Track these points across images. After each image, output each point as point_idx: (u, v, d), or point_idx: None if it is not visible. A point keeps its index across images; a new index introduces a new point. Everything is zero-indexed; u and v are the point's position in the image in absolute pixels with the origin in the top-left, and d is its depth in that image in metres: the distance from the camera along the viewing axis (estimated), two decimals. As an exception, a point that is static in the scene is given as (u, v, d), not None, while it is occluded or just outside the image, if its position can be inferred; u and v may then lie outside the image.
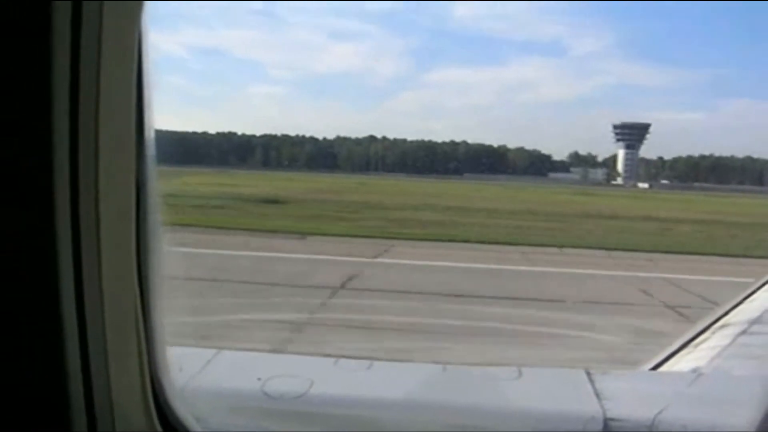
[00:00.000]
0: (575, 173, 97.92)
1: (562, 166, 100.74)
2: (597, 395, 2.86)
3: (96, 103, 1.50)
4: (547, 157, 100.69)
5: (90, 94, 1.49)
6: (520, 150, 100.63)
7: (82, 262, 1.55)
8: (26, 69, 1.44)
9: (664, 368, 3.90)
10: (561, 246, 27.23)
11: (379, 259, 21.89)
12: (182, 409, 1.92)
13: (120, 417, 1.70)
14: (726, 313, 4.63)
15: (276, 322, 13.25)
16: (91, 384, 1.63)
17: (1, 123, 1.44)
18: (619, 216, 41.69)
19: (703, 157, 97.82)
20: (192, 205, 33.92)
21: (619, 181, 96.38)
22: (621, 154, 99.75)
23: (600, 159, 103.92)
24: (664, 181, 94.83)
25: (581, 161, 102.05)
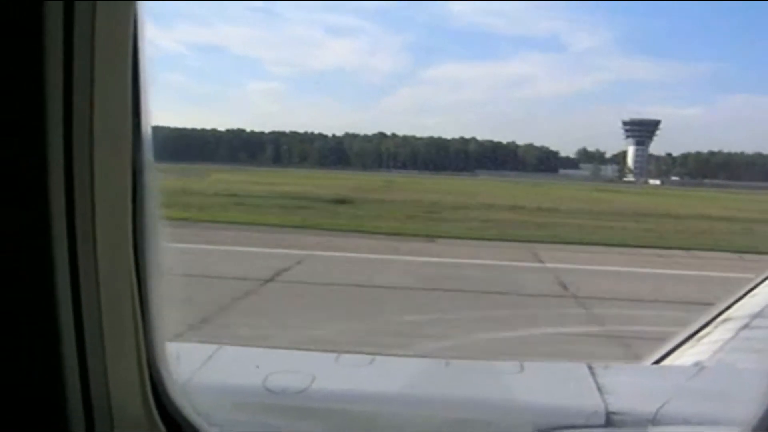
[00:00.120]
0: (585, 170, 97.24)
1: (569, 162, 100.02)
2: (599, 389, 2.87)
3: (90, 102, 1.51)
4: (555, 154, 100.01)
5: (84, 94, 1.50)
6: (529, 147, 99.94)
7: (78, 257, 1.56)
8: (19, 69, 1.44)
9: (666, 362, 3.90)
10: (688, 248, 26.74)
11: (581, 266, 21.22)
12: (183, 404, 1.93)
13: (119, 414, 1.71)
14: (728, 308, 4.62)
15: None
16: (88, 382, 1.63)
17: None
18: (680, 216, 40.35)
19: (712, 154, 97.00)
20: (268, 205, 34.67)
21: (631, 177, 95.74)
22: (631, 150, 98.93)
23: (608, 155, 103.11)
24: (675, 178, 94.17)
25: (589, 158, 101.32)
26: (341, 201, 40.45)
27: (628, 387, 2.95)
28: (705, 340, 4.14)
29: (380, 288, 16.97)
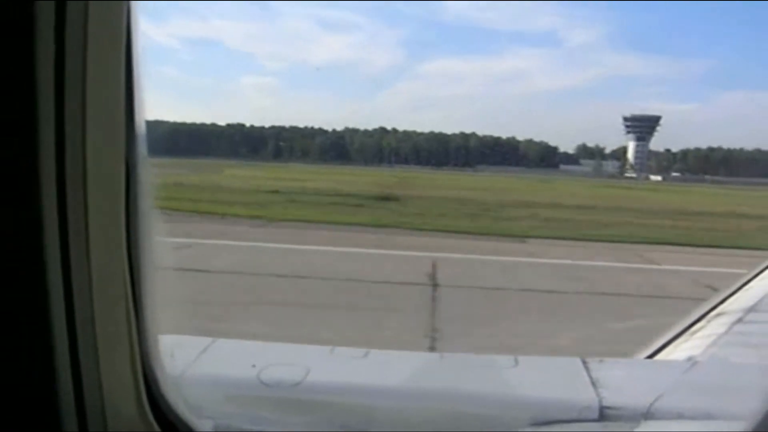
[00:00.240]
0: (585, 165, 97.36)
1: (569, 158, 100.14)
2: (593, 383, 2.87)
3: (83, 101, 1.51)
4: (554, 149, 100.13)
5: (76, 93, 1.50)
6: (530, 142, 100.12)
7: (70, 254, 1.56)
8: (10, 68, 1.44)
9: (659, 357, 3.91)
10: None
11: (703, 268, 19.79)
12: (177, 401, 1.92)
13: (112, 413, 1.70)
14: (722, 302, 4.63)
15: None
16: (81, 380, 1.63)
17: None
18: (718, 213, 39.58)
19: (711, 150, 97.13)
20: (324, 203, 34.57)
21: (632, 173, 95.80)
22: (631, 146, 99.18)
23: (608, 151, 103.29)
24: (675, 174, 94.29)
25: (589, 153, 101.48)
26: (387, 198, 40.19)
27: (622, 381, 2.96)
28: (698, 334, 4.15)
29: (551, 293, 15.81)
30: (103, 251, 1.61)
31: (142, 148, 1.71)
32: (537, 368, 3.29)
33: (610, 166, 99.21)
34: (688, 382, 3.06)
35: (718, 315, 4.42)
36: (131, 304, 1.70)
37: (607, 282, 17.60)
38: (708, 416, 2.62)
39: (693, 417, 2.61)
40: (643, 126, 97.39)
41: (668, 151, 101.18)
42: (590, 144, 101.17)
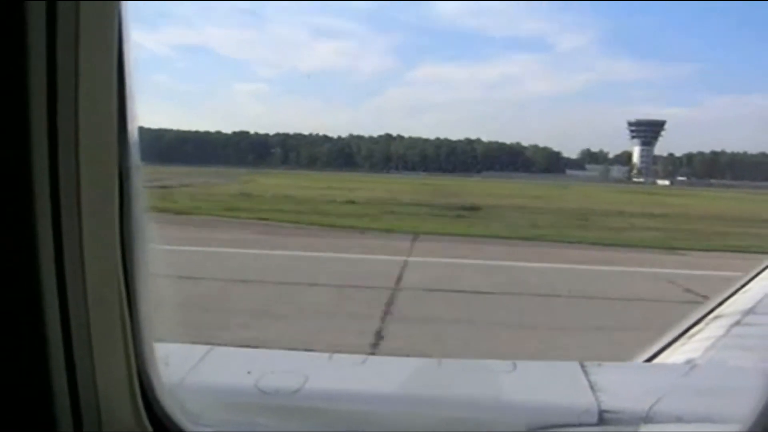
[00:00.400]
0: (591, 170, 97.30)
1: (573, 163, 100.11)
2: (591, 387, 2.86)
3: (75, 103, 1.51)
4: (558, 155, 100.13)
5: (68, 95, 1.50)
6: (535, 148, 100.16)
7: (64, 258, 1.56)
8: (1, 70, 1.44)
9: (658, 360, 3.89)
10: None
11: None
12: (172, 406, 1.92)
13: (107, 415, 1.70)
14: (719, 305, 4.61)
15: None
16: (76, 382, 1.63)
17: None
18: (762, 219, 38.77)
19: (715, 154, 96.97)
20: (422, 213, 34.38)
21: (640, 178, 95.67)
22: (637, 150, 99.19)
23: (611, 156, 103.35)
24: (681, 178, 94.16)
25: (593, 158, 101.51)
26: (472, 208, 39.92)
27: (621, 385, 2.94)
28: (697, 337, 4.13)
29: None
30: (97, 255, 1.62)
31: (135, 150, 1.71)
32: (535, 373, 3.28)
33: (616, 170, 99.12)
34: (686, 386, 3.06)
35: (716, 318, 4.40)
36: (126, 308, 1.70)
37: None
38: (707, 419, 2.61)
39: (692, 420, 2.60)
40: (648, 130, 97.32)
41: (671, 155, 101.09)
42: (594, 149, 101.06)
